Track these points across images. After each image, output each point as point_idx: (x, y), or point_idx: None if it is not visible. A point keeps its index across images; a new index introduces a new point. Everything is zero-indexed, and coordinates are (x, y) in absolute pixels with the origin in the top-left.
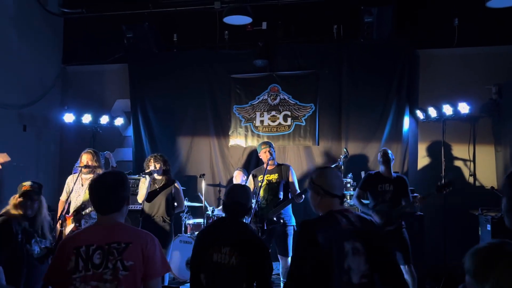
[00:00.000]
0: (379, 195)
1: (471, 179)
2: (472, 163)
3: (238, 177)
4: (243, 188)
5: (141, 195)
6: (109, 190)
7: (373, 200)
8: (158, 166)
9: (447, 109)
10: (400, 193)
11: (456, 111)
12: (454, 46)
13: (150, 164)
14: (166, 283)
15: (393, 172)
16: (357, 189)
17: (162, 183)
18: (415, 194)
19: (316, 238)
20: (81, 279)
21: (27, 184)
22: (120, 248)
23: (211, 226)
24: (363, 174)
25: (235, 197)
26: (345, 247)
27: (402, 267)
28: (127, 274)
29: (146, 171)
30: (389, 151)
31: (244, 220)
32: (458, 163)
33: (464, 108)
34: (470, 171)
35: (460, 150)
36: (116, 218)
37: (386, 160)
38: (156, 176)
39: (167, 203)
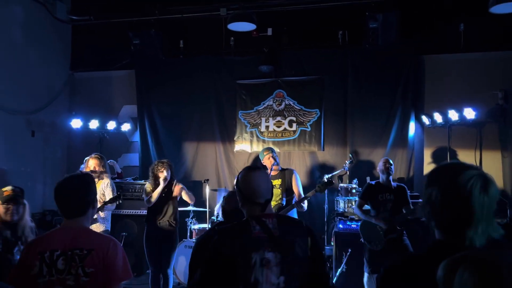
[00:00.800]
0: (380, 204)
1: None
2: None
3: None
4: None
5: (154, 198)
6: (73, 193)
7: (374, 210)
8: (165, 173)
9: (453, 115)
10: (400, 202)
11: (462, 117)
12: (459, 51)
13: (161, 170)
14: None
15: (394, 182)
16: (358, 199)
17: (167, 188)
18: (419, 200)
19: (220, 248)
20: (46, 284)
21: (8, 189)
22: (82, 255)
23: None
24: (368, 179)
25: (235, 204)
26: (252, 258)
27: None
28: (88, 280)
29: (162, 178)
30: (391, 161)
31: None
32: None
33: (470, 113)
34: None
35: (466, 156)
36: (81, 222)
37: (388, 169)
38: (162, 182)
39: (173, 208)
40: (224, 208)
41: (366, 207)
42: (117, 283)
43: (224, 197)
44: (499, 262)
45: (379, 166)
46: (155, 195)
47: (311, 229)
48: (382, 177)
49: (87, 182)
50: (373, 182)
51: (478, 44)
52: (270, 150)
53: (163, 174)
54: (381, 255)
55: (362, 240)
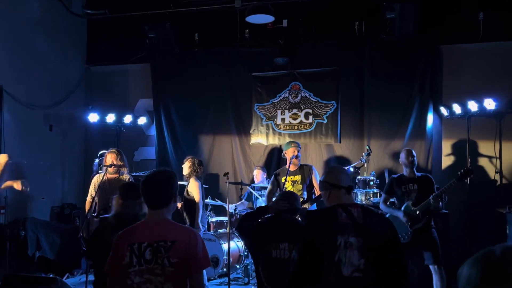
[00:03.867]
0: (404, 195)
1: (497, 177)
2: (498, 160)
3: (259, 176)
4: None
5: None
6: (159, 186)
7: (399, 202)
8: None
9: (472, 106)
10: (425, 192)
11: (481, 107)
12: (479, 41)
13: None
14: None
15: (418, 172)
16: (382, 194)
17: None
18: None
19: (310, 229)
20: (136, 272)
21: None
22: (167, 246)
23: (267, 222)
24: (386, 172)
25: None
26: (337, 240)
27: (431, 267)
28: (173, 270)
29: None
30: (413, 152)
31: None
32: (483, 160)
33: (490, 104)
34: (496, 168)
35: (485, 147)
36: (163, 214)
37: (411, 163)
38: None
39: (186, 202)
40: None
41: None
42: (199, 271)
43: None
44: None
45: (402, 158)
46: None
47: (391, 222)
48: (405, 170)
49: (172, 176)
50: (395, 176)
51: (497, 33)
52: (297, 144)
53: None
54: (408, 248)
55: None
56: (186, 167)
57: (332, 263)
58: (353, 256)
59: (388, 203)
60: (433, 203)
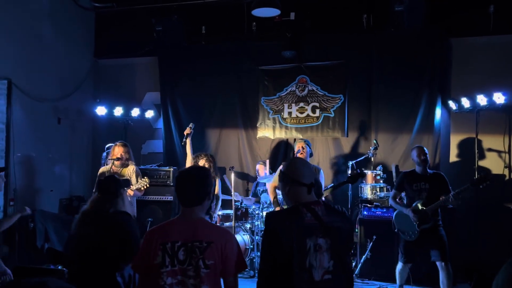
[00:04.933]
0: (414, 193)
1: (506, 171)
2: (507, 155)
3: (261, 171)
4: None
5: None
6: (193, 183)
7: (409, 200)
8: (207, 165)
9: (481, 100)
10: (437, 190)
11: (491, 101)
12: (489, 34)
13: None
14: None
15: (430, 169)
16: (393, 190)
17: None
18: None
19: (276, 233)
20: (168, 273)
21: None
22: (202, 247)
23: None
24: (393, 167)
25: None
26: (306, 244)
27: (438, 263)
28: (208, 272)
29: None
30: (426, 150)
31: None
32: (492, 155)
33: (499, 98)
34: (505, 163)
35: (494, 142)
36: (197, 211)
37: (424, 162)
38: None
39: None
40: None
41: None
42: (235, 274)
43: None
44: None
45: (414, 156)
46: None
47: (351, 220)
48: (417, 168)
49: (206, 174)
50: (407, 171)
51: (508, 26)
52: (304, 141)
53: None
54: (415, 245)
55: (396, 230)
56: (202, 164)
57: (304, 269)
58: (323, 259)
59: (398, 199)
60: (452, 201)
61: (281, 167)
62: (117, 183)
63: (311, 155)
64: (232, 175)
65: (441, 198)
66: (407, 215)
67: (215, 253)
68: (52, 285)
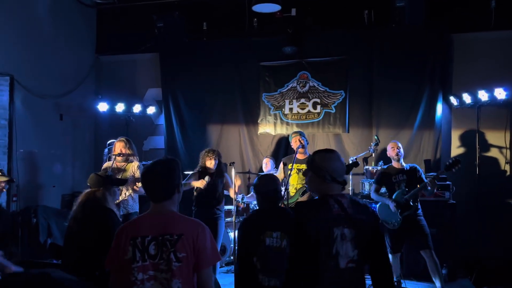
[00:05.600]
0: (394, 185)
1: (507, 167)
2: (508, 151)
3: (268, 164)
4: (273, 177)
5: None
6: (159, 178)
7: (388, 192)
8: (213, 163)
9: (483, 95)
10: (414, 181)
11: (492, 97)
12: (490, 29)
13: (207, 160)
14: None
15: (408, 164)
16: (373, 184)
17: (214, 175)
18: (431, 174)
19: (306, 222)
20: (139, 268)
21: None
22: (173, 240)
23: (257, 214)
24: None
25: (271, 185)
26: (334, 233)
27: (423, 252)
28: (180, 265)
29: (205, 179)
30: (399, 144)
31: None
32: (493, 150)
33: (500, 93)
34: (506, 159)
35: (495, 137)
36: (167, 206)
37: (397, 154)
38: (209, 171)
39: (219, 193)
40: (262, 191)
41: (383, 190)
42: (208, 266)
43: (259, 179)
44: None
45: (388, 151)
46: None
47: (375, 212)
48: (394, 162)
49: (173, 167)
50: (385, 167)
51: (510, 21)
52: (299, 133)
53: (211, 162)
54: (399, 234)
55: (380, 221)
56: (211, 163)
57: (330, 256)
58: (348, 248)
59: (379, 193)
60: (430, 185)
61: (281, 164)
62: (102, 177)
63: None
64: (233, 171)
65: (418, 186)
66: (389, 205)
67: (187, 245)
68: (55, 275)
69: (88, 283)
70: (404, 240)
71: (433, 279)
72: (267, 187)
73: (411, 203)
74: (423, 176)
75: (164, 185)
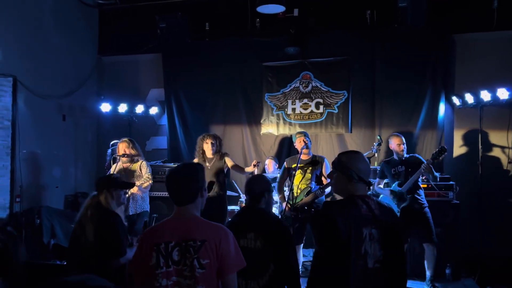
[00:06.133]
0: (394, 177)
1: (509, 167)
2: (510, 150)
3: (270, 165)
4: (256, 177)
5: None
6: (182, 180)
7: (392, 184)
8: (210, 147)
9: (485, 95)
10: (412, 171)
11: (494, 97)
12: (493, 29)
13: (206, 141)
14: None
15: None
16: (376, 178)
17: (213, 161)
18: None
19: (336, 221)
20: (163, 274)
21: None
22: (196, 246)
23: (238, 215)
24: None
25: (255, 185)
26: (363, 233)
27: (425, 245)
28: (203, 271)
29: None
30: (403, 139)
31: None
32: (496, 150)
33: (503, 94)
34: (508, 158)
35: (498, 137)
36: (190, 210)
37: (402, 151)
38: (208, 155)
39: (219, 179)
40: (251, 190)
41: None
42: (232, 272)
43: (250, 179)
44: None
45: (392, 145)
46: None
47: (397, 216)
48: (395, 155)
49: (196, 170)
50: (386, 160)
51: None
52: (303, 133)
53: (208, 146)
54: (405, 227)
55: None
56: (208, 144)
57: (359, 255)
58: (376, 248)
59: (382, 186)
60: (425, 173)
61: (285, 164)
62: (106, 180)
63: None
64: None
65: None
66: (389, 197)
67: (210, 251)
68: (91, 284)
69: None
70: (408, 232)
71: (426, 268)
72: (249, 186)
73: (407, 195)
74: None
75: (188, 188)
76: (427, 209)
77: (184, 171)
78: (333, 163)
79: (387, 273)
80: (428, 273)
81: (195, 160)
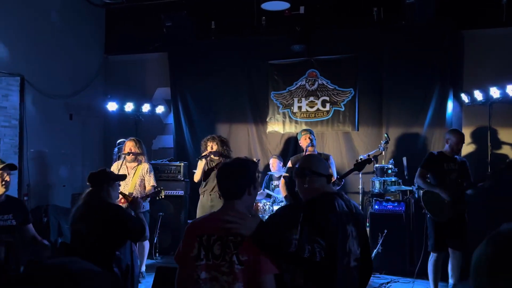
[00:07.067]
0: (445, 173)
1: None
2: None
3: (274, 165)
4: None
5: (196, 175)
6: (232, 175)
7: (436, 180)
8: (215, 147)
9: (494, 92)
10: (463, 175)
11: (504, 94)
12: (502, 25)
13: (207, 145)
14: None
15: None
16: (419, 168)
17: (219, 161)
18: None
19: (327, 218)
20: (203, 267)
21: None
22: (237, 242)
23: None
24: (404, 160)
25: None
26: (347, 230)
27: (452, 250)
28: (242, 268)
29: (202, 154)
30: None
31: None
32: (505, 147)
33: None
34: None
35: (507, 134)
36: (237, 205)
37: (459, 149)
38: (213, 157)
39: None
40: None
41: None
42: (269, 272)
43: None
44: None
45: (452, 141)
46: (198, 175)
47: (360, 210)
48: (448, 151)
49: (246, 166)
50: (435, 152)
51: None
52: (308, 131)
53: (212, 146)
54: (447, 229)
55: (425, 211)
56: (210, 147)
57: (345, 253)
58: (355, 246)
59: (425, 179)
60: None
61: (289, 163)
62: (104, 175)
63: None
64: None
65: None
66: (437, 195)
67: (250, 248)
68: (74, 267)
69: (111, 274)
70: (448, 236)
71: (450, 275)
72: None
73: (464, 198)
74: (469, 172)
75: (236, 183)
76: (466, 215)
77: (234, 166)
78: (296, 173)
79: (361, 271)
80: (451, 281)
81: (200, 163)
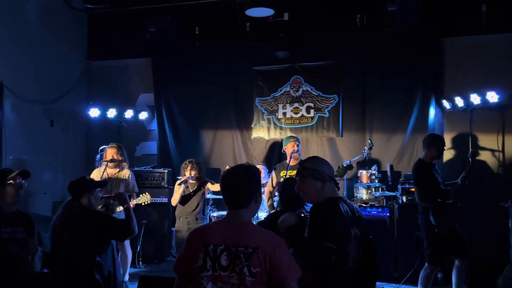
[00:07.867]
0: (438, 183)
1: (500, 170)
2: (501, 154)
3: (261, 172)
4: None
5: (174, 199)
6: (238, 182)
7: (431, 191)
8: (193, 173)
9: (475, 98)
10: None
11: (484, 100)
12: (482, 33)
13: (187, 170)
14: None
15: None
16: (423, 188)
17: (195, 186)
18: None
19: (336, 220)
20: (209, 278)
21: None
22: (247, 253)
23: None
24: (388, 165)
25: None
26: (351, 233)
27: (459, 259)
28: (254, 280)
29: (181, 180)
30: None
31: None
32: (486, 153)
33: (492, 97)
34: (499, 162)
35: (488, 140)
36: (244, 215)
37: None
38: (191, 181)
39: (200, 204)
40: (282, 194)
41: None
42: (288, 283)
43: (281, 184)
44: None
45: (439, 146)
46: (175, 199)
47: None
48: (428, 157)
49: (251, 173)
50: (424, 164)
51: (501, 25)
52: (296, 138)
53: (188, 174)
54: (451, 240)
55: (434, 228)
56: (188, 173)
57: (346, 255)
58: (356, 248)
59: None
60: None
61: (273, 173)
62: (84, 183)
63: (297, 151)
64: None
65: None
66: (447, 208)
67: (262, 260)
68: None
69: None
70: (454, 247)
71: (454, 284)
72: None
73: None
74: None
75: (243, 191)
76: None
77: (239, 174)
78: (299, 173)
79: (361, 274)
80: None
81: (177, 187)
